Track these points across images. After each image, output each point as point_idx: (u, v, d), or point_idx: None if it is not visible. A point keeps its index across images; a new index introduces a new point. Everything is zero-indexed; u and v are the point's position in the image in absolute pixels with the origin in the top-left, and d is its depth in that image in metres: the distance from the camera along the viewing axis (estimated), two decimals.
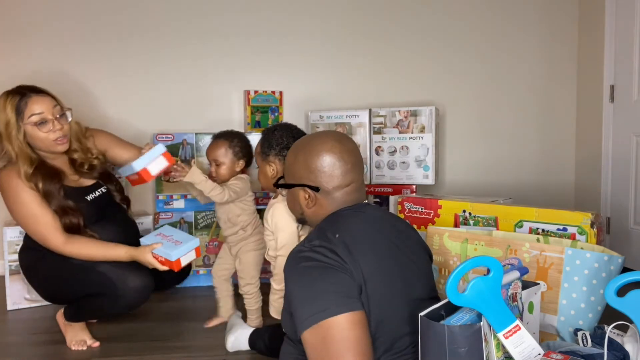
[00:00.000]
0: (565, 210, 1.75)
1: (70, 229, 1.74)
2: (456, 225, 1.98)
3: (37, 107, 1.69)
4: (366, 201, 1.32)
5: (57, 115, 1.73)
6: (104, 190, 1.87)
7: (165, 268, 1.75)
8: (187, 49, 2.92)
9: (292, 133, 1.71)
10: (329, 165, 1.23)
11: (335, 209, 1.25)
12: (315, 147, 1.24)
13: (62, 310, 1.89)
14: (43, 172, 1.71)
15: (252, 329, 1.77)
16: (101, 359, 1.75)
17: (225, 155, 1.92)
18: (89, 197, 1.81)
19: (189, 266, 2.00)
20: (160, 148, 1.83)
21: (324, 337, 1.00)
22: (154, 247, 1.74)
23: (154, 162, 1.81)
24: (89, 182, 1.85)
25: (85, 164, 1.85)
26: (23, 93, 1.69)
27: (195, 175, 1.83)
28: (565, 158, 3.27)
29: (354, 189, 1.26)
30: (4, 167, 1.73)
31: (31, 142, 1.72)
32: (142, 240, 1.80)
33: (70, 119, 1.79)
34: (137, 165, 1.78)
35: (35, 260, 1.83)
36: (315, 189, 1.24)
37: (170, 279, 2.05)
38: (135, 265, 1.74)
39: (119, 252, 1.74)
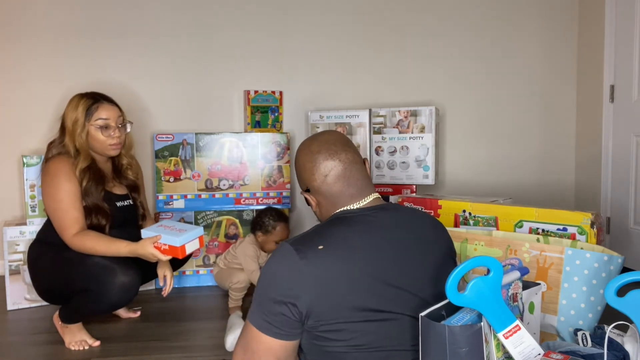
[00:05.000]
0: (565, 210, 1.76)
1: (95, 228, 1.85)
2: (456, 225, 1.98)
3: (105, 113, 1.88)
4: (376, 196, 1.23)
5: (119, 125, 1.92)
6: (131, 202, 2.01)
7: (168, 258, 1.75)
8: (187, 49, 2.93)
9: None
10: (302, 161, 1.24)
11: (334, 203, 1.21)
12: (296, 156, 1.28)
13: (57, 313, 1.90)
14: (93, 173, 1.88)
15: None
16: (101, 359, 1.75)
17: None
18: (118, 204, 1.95)
19: (185, 257, 2.02)
20: (201, 230, 1.83)
21: (250, 337, 1.13)
22: (156, 240, 1.74)
23: (192, 242, 1.79)
24: (121, 191, 1.99)
25: (125, 174, 2.02)
26: (96, 98, 1.90)
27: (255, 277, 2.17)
28: (565, 158, 3.27)
29: (336, 177, 1.20)
30: (57, 155, 1.89)
31: (90, 142, 1.89)
32: (143, 232, 1.80)
33: (128, 130, 1.98)
34: (179, 240, 1.73)
35: (39, 254, 1.90)
36: (307, 190, 1.25)
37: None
38: (123, 261, 1.75)
39: (120, 246, 1.76)
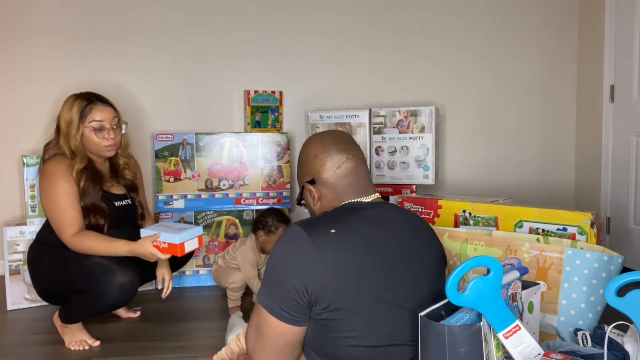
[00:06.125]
0: (565, 210, 1.76)
1: (94, 228, 1.84)
2: (456, 225, 1.98)
3: (99, 115, 1.87)
4: (378, 195, 1.26)
5: (114, 126, 1.91)
6: (129, 202, 1.99)
7: (167, 256, 1.75)
8: (187, 49, 2.93)
9: None
10: (314, 151, 1.25)
11: (340, 197, 1.22)
12: (305, 147, 1.30)
13: (57, 313, 1.90)
14: (90, 173, 1.87)
15: None
16: (101, 359, 1.75)
17: None
18: (117, 204, 1.94)
19: (185, 258, 2.03)
20: (200, 230, 1.84)
21: (261, 320, 1.15)
22: (155, 238, 1.74)
23: (191, 240, 1.80)
24: (120, 190, 1.98)
25: (122, 173, 2.01)
26: (90, 100, 1.88)
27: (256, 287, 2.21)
28: (565, 158, 3.27)
29: (347, 171, 1.22)
30: (54, 156, 1.89)
31: (84, 143, 1.88)
32: (142, 231, 1.80)
33: (124, 131, 1.97)
34: (178, 238, 1.74)
35: (39, 254, 1.90)
36: (312, 182, 1.25)
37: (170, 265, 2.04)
38: (122, 261, 1.75)
39: (118, 246, 1.76)
